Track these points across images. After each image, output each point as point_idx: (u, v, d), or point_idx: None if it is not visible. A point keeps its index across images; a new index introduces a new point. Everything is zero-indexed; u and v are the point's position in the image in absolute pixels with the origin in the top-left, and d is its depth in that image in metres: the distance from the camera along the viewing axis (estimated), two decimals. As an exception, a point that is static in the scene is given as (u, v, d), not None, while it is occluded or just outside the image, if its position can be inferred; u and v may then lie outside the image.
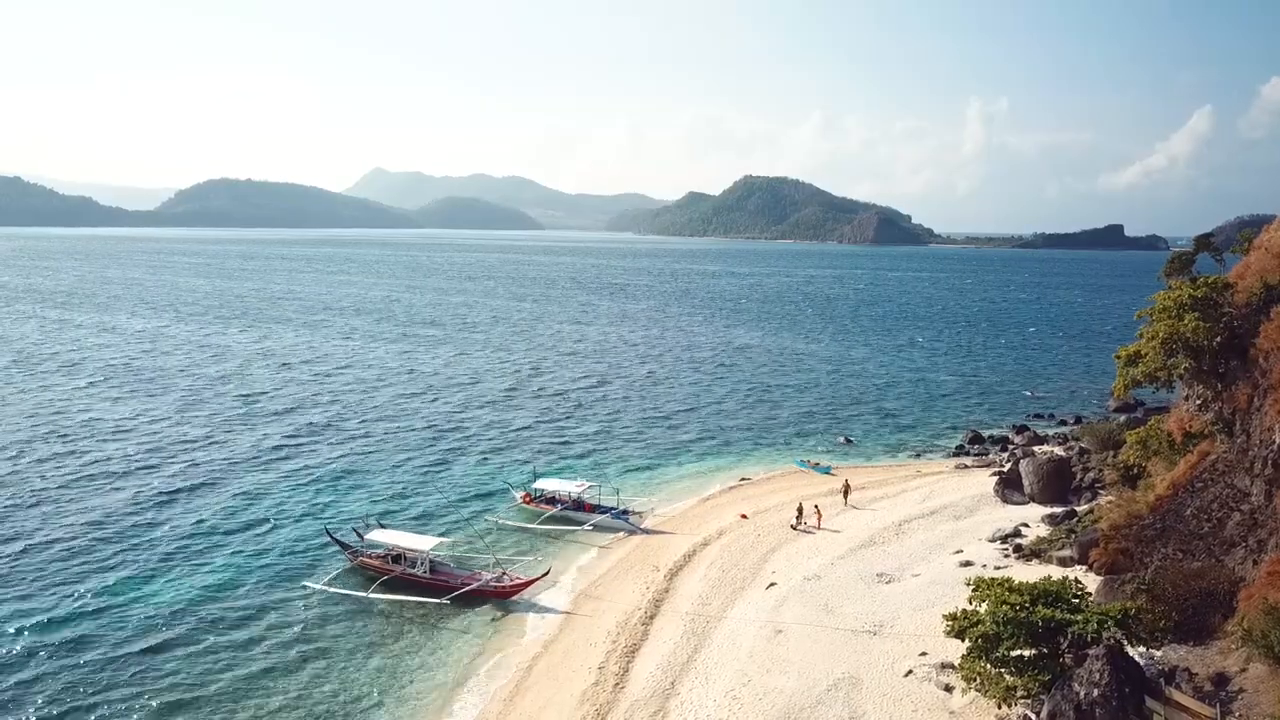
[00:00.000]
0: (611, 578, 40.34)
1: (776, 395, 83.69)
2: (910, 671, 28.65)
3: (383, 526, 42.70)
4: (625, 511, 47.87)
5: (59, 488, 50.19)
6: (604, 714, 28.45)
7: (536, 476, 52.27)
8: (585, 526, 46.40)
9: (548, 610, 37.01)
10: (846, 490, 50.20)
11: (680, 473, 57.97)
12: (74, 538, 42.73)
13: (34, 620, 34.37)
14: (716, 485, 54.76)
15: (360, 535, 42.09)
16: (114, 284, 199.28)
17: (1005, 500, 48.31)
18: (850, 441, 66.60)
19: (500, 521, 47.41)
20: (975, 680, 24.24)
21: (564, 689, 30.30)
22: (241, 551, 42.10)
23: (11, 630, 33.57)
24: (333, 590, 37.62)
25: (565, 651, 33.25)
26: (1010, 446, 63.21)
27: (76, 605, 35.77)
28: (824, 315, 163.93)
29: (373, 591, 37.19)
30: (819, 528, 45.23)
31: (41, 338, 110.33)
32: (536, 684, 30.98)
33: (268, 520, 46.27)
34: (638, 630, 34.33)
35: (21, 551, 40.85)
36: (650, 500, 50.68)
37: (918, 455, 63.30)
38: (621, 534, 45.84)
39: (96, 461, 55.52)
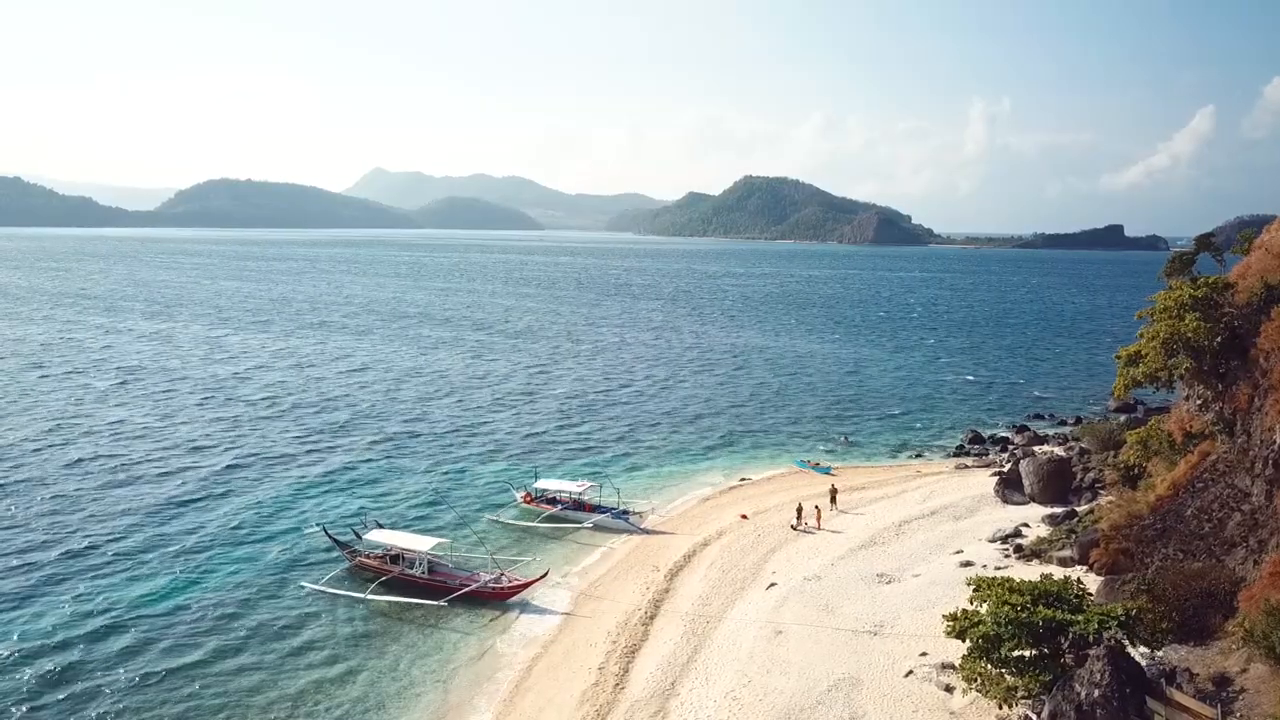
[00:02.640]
0: (611, 578, 40.30)
1: (777, 395, 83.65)
2: (911, 672, 28.61)
3: (381, 526, 42.64)
4: (625, 511, 47.83)
5: (62, 491, 50.12)
6: (604, 714, 28.40)
7: (537, 476, 52.25)
8: (585, 526, 46.39)
9: (547, 611, 36.97)
10: (833, 495, 48.79)
11: (680, 473, 57.90)
12: (73, 539, 42.67)
13: (27, 619, 34.33)
14: (717, 485, 54.73)
15: (359, 535, 42.06)
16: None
17: (1005, 500, 48.27)
18: (850, 441, 66.57)
19: (500, 521, 47.42)
20: (976, 681, 24.20)
21: (564, 689, 30.26)
22: (239, 551, 42.02)
23: (10, 630, 33.52)
24: (330, 591, 37.57)
25: (565, 652, 33.22)
26: (1010, 446, 63.20)
27: (74, 606, 35.67)
28: (824, 316, 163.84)
29: (371, 592, 37.13)
30: (819, 528, 45.18)
31: (53, 340, 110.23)
32: (536, 684, 30.94)
33: (267, 520, 46.18)
34: (638, 631, 34.29)
35: (18, 554, 40.80)
36: (650, 500, 50.61)
37: (918, 455, 63.27)
38: (622, 534, 45.81)
39: (100, 464, 55.45)
